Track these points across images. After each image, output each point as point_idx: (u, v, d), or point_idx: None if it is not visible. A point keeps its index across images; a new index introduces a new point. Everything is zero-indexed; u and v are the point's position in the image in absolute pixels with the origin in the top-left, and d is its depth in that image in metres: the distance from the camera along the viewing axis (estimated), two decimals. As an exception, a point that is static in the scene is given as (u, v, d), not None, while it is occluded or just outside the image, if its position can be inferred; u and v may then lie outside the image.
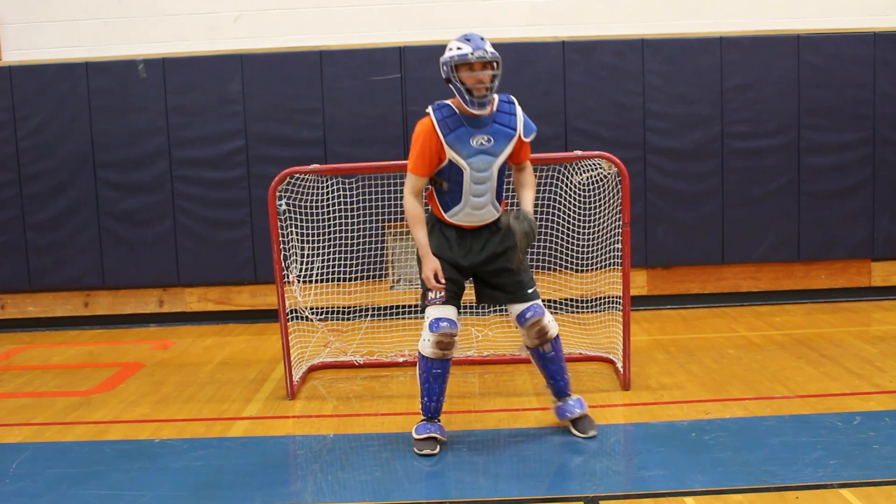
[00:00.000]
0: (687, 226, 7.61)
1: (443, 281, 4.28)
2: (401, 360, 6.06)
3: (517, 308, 4.43)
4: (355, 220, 6.76)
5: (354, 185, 6.66)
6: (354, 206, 6.66)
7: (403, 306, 7.15)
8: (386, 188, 6.80)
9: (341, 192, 6.38)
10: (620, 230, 5.38)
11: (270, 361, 6.32)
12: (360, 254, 6.78)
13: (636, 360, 5.73)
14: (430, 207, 4.49)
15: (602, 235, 6.01)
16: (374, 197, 6.87)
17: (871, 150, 7.58)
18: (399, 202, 6.78)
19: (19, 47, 7.86)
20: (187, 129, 7.52)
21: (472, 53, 4.09)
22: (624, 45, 7.47)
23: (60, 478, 4.18)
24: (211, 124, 7.51)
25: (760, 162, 7.56)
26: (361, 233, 6.84)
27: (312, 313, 6.06)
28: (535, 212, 4.62)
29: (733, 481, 3.85)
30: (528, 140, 4.37)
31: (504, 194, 4.51)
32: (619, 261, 5.46)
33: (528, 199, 4.45)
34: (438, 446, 4.33)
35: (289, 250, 5.87)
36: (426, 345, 4.32)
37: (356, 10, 7.85)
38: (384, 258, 7.30)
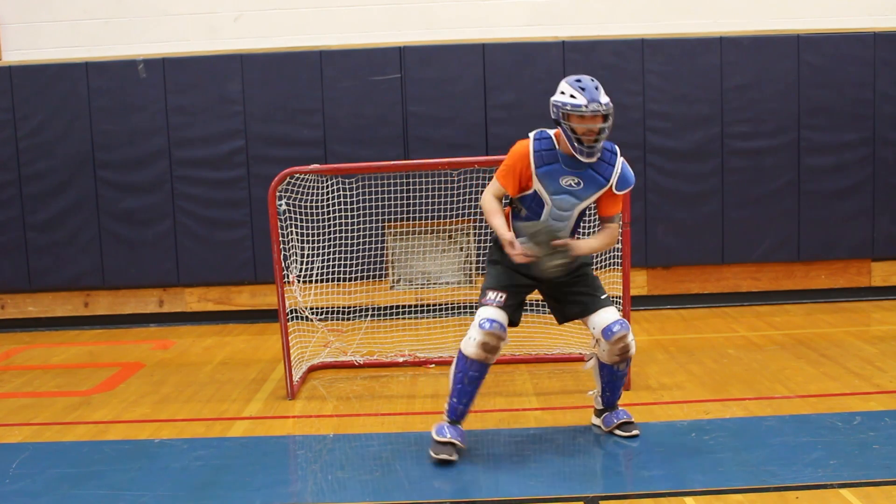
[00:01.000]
0: (687, 226, 7.61)
1: (518, 249, 4.03)
2: (401, 360, 6.06)
3: (601, 319, 4.23)
4: (355, 220, 6.76)
5: (354, 185, 6.66)
6: (354, 206, 6.67)
7: (403, 306, 7.15)
8: (386, 188, 6.81)
9: (341, 192, 6.38)
10: (621, 230, 5.37)
11: (270, 361, 6.32)
12: (360, 254, 6.78)
13: (636, 360, 5.70)
14: None
15: (602, 235, 6.00)
16: (374, 197, 6.87)
17: (871, 150, 7.58)
18: (399, 202, 6.80)
19: (19, 47, 7.86)
20: (187, 129, 7.52)
21: (586, 106, 3.97)
22: (624, 45, 7.47)
23: (60, 478, 4.18)
24: (211, 124, 7.52)
25: (760, 162, 7.56)
26: (361, 233, 6.84)
27: (312, 313, 6.06)
28: None
29: (733, 481, 3.85)
30: (619, 193, 4.25)
31: (579, 236, 4.43)
32: (619, 261, 5.46)
33: (585, 244, 4.25)
34: (456, 454, 4.18)
35: (289, 250, 5.87)
36: (470, 343, 4.14)
37: (356, 10, 7.85)
38: (384, 258, 7.30)
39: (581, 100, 3.99)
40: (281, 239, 5.48)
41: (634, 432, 4.44)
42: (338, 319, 6.39)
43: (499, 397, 5.25)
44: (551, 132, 4.20)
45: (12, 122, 7.53)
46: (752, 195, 7.58)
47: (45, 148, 7.56)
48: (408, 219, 6.98)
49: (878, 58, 7.48)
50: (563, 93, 4.06)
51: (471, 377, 4.18)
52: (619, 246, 5.42)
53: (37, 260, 7.67)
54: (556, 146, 4.16)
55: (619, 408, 4.53)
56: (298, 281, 5.94)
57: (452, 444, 4.19)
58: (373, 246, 6.95)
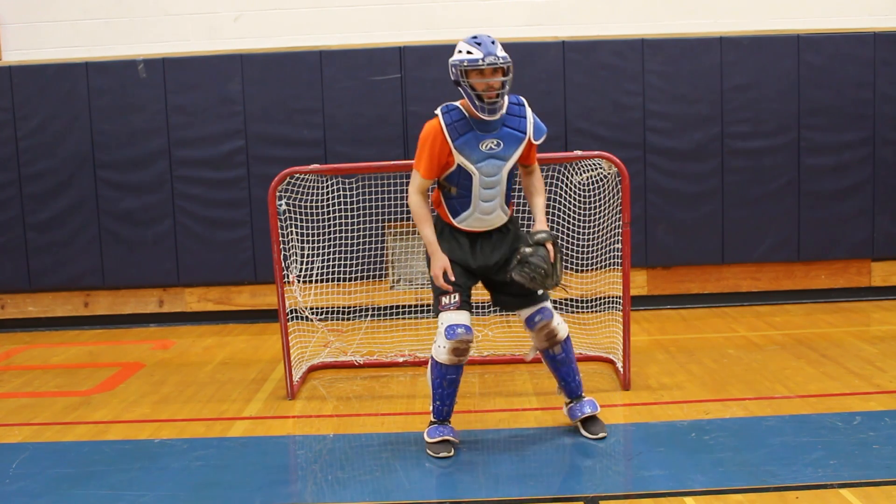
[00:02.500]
0: (687, 226, 7.61)
1: (452, 279, 4.20)
2: (401, 360, 6.06)
3: (525, 312, 4.39)
4: (355, 220, 6.76)
5: (354, 185, 6.66)
6: (354, 206, 6.67)
7: (403, 306, 7.15)
8: (386, 188, 6.80)
9: (341, 192, 6.38)
10: (620, 230, 5.38)
11: (270, 361, 6.32)
12: (360, 254, 6.78)
13: (636, 360, 5.73)
14: (436, 213, 4.41)
15: (602, 235, 6.01)
16: (374, 197, 6.87)
17: (871, 150, 7.58)
18: (399, 202, 6.78)
19: (19, 47, 7.86)
20: (187, 129, 7.52)
21: (482, 59, 3.98)
22: (624, 45, 7.47)
23: (60, 478, 4.18)
24: (211, 124, 7.51)
25: (760, 162, 7.56)
26: (361, 233, 6.84)
27: (312, 313, 6.06)
28: None
29: (733, 481, 3.85)
30: (537, 143, 4.28)
31: (512, 196, 4.45)
32: (619, 261, 5.46)
33: (539, 205, 4.37)
34: (453, 449, 4.28)
35: (289, 250, 5.87)
36: (441, 352, 4.22)
37: (356, 10, 7.85)
38: (384, 258, 7.30)
39: (477, 54, 3.99)
40: (281, 239, 5.48)
41: (601, 434, 4.42)
42: (338, 319, 6.39)
43: (499, 397, 5.25)
44: (457, 103, 4.19)
45: (12, 122, 7.53)
46: (752, 195, 7.58)
47: (45, 148, 7.55)
48: (408, 219, 6.96)
49: (878, 58, 7.48)
50: (459, 51, 4.07)
51: (449, 380, 4.28)
52: (619, 246, 5.42)
53: (37, 260, 7.67)
54: (466, 115, 4.14)
55: (585, 398, 4.53)
56: (298, 281, 5.94)
57: (447, 440, 4.28)
58: (373, 246, 6.95)
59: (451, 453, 4.25)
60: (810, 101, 7.50)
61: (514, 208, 4.63)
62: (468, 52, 4.03)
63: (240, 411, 5.20)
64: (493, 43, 4.03)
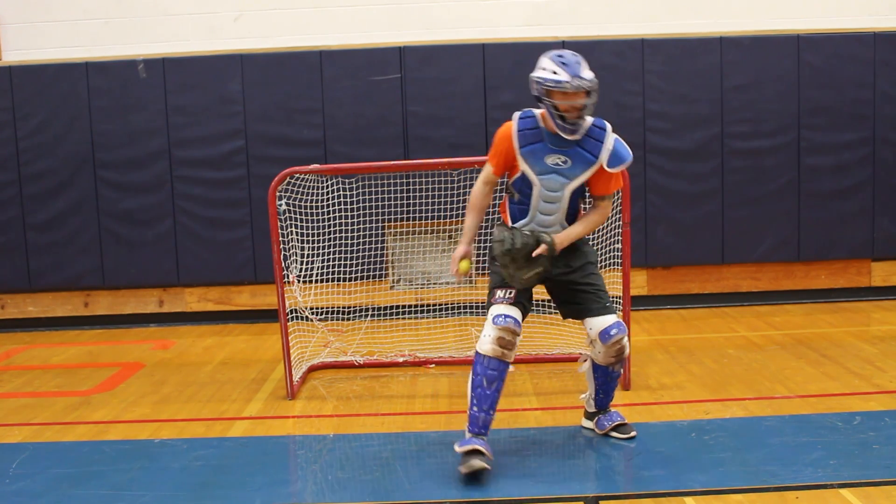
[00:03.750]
0: (687, 226, 7.61)
1: (463, 269, 4.12)
2: (401, 360, 6.06)
3: (599, 323, 4.18)
4: (355, 220, 6.76)
5: (354, 185, 6.66)
6: (354, 206, 6.67)
7: (403, 306, 7.15)
8: (386, 188, 6.81)
9: (341, 192, 6.38)
10: (620, 230, 5.38)
11: (270, 361, 6.32)
12: (360, 254, 6.78)
13: (636, 360, 5.73)
14: (500, 219, 4.34)
15: (602, 235, 6.01)
16: (374, 197, 6.87)
17: (871, 150, 7.58)
18: (399, 202, 6.80)
19: (19, 47, 7.86)
20: (187, 129, 7.53)
21: (569, 83, 3.86)
22: (624, 45, 7.47)
23: (60, 478, 4.18)
24: (211, 124, 7.52)
25: (760, 162, 7.56)
26: (361, 233, 6.84)
27: (312, 313, 6.06)
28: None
29: (733, 481, 3.85)
30: (612, 171, 4.09)
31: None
32: (619, 261, 5.46)
33: (574, 231, 4.15)
34: (487, 461, 3.93)
35: (289, 250, 5.87)
36: (486, 341, 4.01)
37: (356, 10, 7.85)
38: (384, 258, 7.30)
39: (563, 76, 3.88)
40: (281, 239, 5.48)
41: (632, 433, 4.42)
42: (338, 319, 6.39)
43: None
44: (536, 111, 4.11)
45: (12, 122, 7.53)
46: (752, 195, 7.58)
47: (45, 148, 7.56)
48: (408, 219, 6.98)
49: (878, 58, 7.48)
50: (544, 69, 3.95)
51: (490, 376, 4.00)
52: (619, 246, 5.42)
53: (37, 260, 7.67)
54: (541, 125, 4.07)
55: (612, 410, 4.51)
56: (298, 281, 5.94)
57: (478, 450, 3.95)
58: (373, 246, 6.95)
59: (486, 465, 3.91)
60: (810, 101, 7.51)
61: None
62: (553, 73, 3.91)
63: (240, 411, 5.20)
64: (578, 63, 3.92)
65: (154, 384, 5.87)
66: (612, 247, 5.85)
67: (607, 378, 4.40)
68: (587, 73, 3.91)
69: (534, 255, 4.01)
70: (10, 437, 4.86)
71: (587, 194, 4.24)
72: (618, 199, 5.53)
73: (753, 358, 5.94)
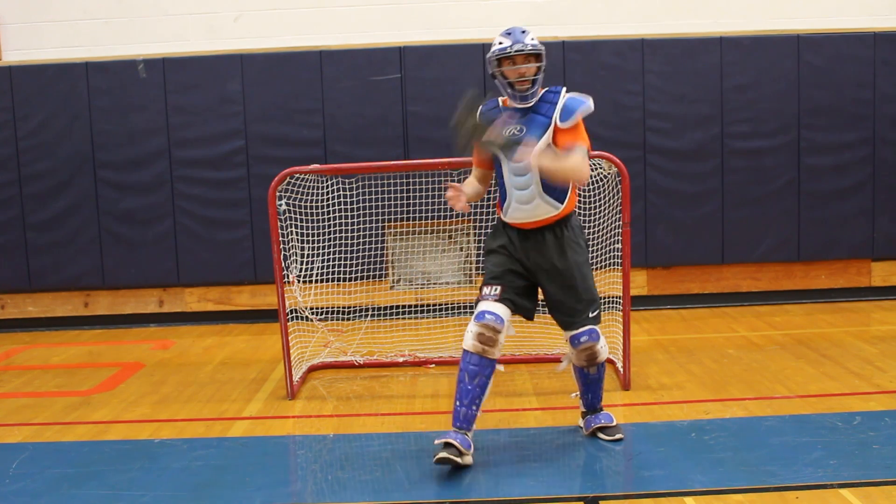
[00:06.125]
0: (687, 226, 7.61)
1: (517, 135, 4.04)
2: (401, 360, 6.06)
3: (571, 331, 4.26)
4: (355, 220, 6.76)
5: (354, 185, 6.66)
6: (354, 206, 6.67)
7: (403, 306, 7.15)
8: (386, 188, 6.81)
9: (341, 192, 6.38)
10: (620, 230, 5.38)
11: (270, 361, 6.32)
12: (360, 254, 6.78)
13: (636, 360, 5.73)
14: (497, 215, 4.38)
15: (602, 235, 6.01)
16: (374, 197, 6.87)
17: (871, 150, 7.58)
18: (399, 202, 6.80)
19: (19, 47, 7.86)
20: (187, 129, 7.53)
21: (511, 47, 4.04)
22: (624, 45, 7.47)
23: (60, 478, 4.18)
24: (211, 124, 7.52)
25: (760, 162, 7.56)
26: (361, 233, 6.84)
27: (312, 313, 6.05)
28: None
29: (733, 481, 3.85)
30: (565, 126, 4.07)
31: (567, 193, 4.22)
32: (619, 261, 5.46)
33: (541, 157, 4.00)
34: (458, 456, 3.93)
35: (289, 250, 5.87)
36: (468, 336, 4.08)
37: (356, 10, 7.85)
38: (384, 258, 7.30)
39: (506, 42, 4.07)
40: (281, 239, 5.48)
41: (618, 436, 4.40)
42: (338, 319, 6.39)
43: (499, 397, 5.25)
44: (499, 97, 4.25)
45: (12, 122, 7.53)
46: (752, 195, 7.58)
47: (45, 148, 7.56)
48: (408, 219, 6.98)
49: (878, 58, 7.48)
50: (493, 45, 4.12)
51: (471, 371, 4.02)
52: (619, 246, 5.42)
53: (37, 260, 7.67)
54: (500, 105, 4.20)
55: (603, 411, 4.50)
56: (298, 281, 5.94)
57: (450, 443, 3.97)
58: (373, 246, 6.95)
59: (456, 458, 3.91)
60: (810, 101, 7.51)
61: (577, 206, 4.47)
62: (499, 43, 4.10)
63: (240, 411, 5.20)
64: (522, 32, 4.10)
65: (154, 384, 5.87)
66: (612, 247, 5.84)
67: (586, 380, 4.42)
68: (530, 40, 4.08)
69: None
70: (10, 437, 4.86)
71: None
72: (618, 198, 5.53)
73: (753, 358, 5.94)
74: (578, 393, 4.56)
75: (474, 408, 4.07)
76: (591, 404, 4.49)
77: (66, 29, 7.86)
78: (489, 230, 4.42)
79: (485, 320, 4.06)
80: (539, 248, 4.18)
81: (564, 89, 4.19)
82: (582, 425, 4.56)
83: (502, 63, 4.08)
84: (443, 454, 3.95)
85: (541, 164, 3.98)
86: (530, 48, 4.05)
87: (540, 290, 4.32)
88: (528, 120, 4.11)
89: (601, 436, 4.44)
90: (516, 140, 4.04)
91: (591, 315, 4.26)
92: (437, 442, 4.05)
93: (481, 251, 4.35)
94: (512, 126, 4.09)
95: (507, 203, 4.17)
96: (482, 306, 4.13)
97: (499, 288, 4.14)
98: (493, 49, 4.12)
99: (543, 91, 4.18)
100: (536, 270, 4.21)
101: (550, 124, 4.10)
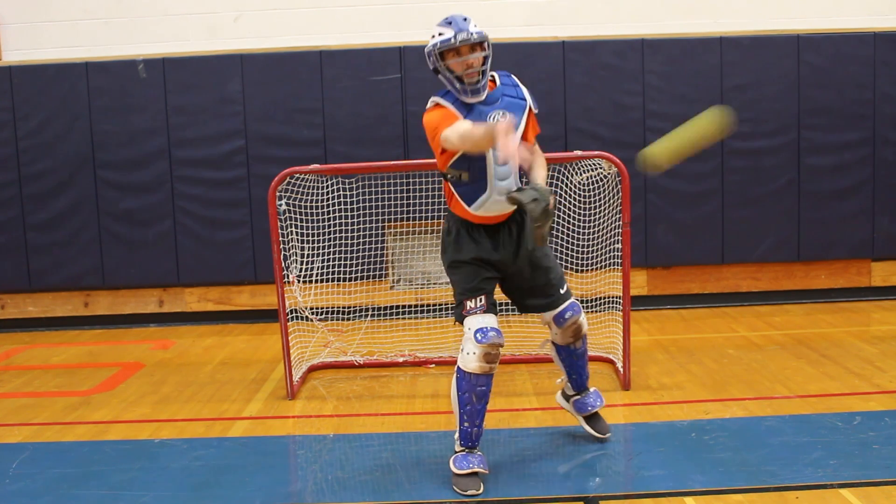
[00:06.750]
0: (687, 226, 7.61)
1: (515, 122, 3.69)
2: (401, 360, 6.06)
3: (554, 312, 4.16)
4: (355, 220, 6.76)
5: (354, 185, 6.66)
6: (354, 206, 6.67)
7: (403, 306, 7.15)
8: (386, 188, 6.81)
9: (341, 192, 6.38)
10: (620, 230, 5.38)
11: (270, 361, 6.32)
12: (360, 254, 6.78)
13: (636, 360, 5.73)
14: (448, 212, 4.14)
15: (602, 235, 6.01)
16: (374, 197, 6.87)
17: (871, 150, 7.58)
18: (399, 202, 6.80)
19: (19, 47, 7.86)
20: (187, 129, 7.52)
21: (454, 37, 3.74)
22: (624, 45, 7.47)
23: (60, 478, 4.18)
24: (211, 124, 7.52)
25: (760, 162, 7.56)
26: (361, 233, 6.84)
27: (312, 313, 6.06)
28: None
29: (733, 481, 3.85)
30: (536, 111, 4.00)
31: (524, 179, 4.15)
32: (619, 261, 5.46)
33: (540, 176, 3.96)
34: (482, 484, 3.88)
35: (289, 250, 5.87)
36: (471, 359, 3.86)
37: (356, 10, 7.85)
38: (384, 258, 7.30)
39: (448, 32, 3.78)
40: (281, 239, 5.48)
41: (607, 434, 4.38)
42: (338, 319, 6.39)
43: (499, 397, 5.24)
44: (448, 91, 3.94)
45: (12, 122, 7.53)
46: (752, 195, 7.58)
47: (45, 148, 7.55)
48: (408, 219, 6.98)
49: (878, 58, 7.48)
50: (432, 36, 3.84)
51: (479, 392, 3.89)
52: (619, 246, 5.42)
53: (37, 260, 7.67)
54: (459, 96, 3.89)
55: (591, 390, 4.41)
56: (298, 281, 5.94)
57: (476, 473, 3.90)
58: (373, 246, 6.95)
59: (480, 490, 3.84)
60: (810, 101, 7.51)
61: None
62: (440, 35, 3.82)
63: (240, 411, 5.20)
64: (465, 20, 3.81)
65: (154, 384, 5.87)
66: (612, 247, 5.85)
67: (572, 356, 4.31)
68: (474, 28, 3.80)
69: (550, 207, 3.78)
70: (10, 437, 4.86)
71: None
72: (618, 198, 5.54)
73: (753, 358, 5.94)
74: (564, 378, 4.48)
75: (483, 424, 4.02)
76: (580, 384, 4.41)
77: (66, 29, 7.86)
78: (439, 238, 4.14)
79: (489, 340, 3.87)
80: (507, 239, 4.01)
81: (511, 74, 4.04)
82: (569, 408, 4.48)
83: (446, 56, 3.80)
84: (472, 490, 3.84)
85: (522, 156, 3.65)
86: (476, 36, 3.76)
87: (509, 284, 4.15)
88: (505, 104, 3.89)
89: (590, 430, 4.40)
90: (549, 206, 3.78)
91: (564, 290, 4.17)
92: (461, 473, 3.90)
93: (445, 262, 4.09)
94: (495, 112, 3.86)
95: (484, 197, 3.90)
96: (476, 322, 3.90)
97: (482, 298, 3.95)
98: (433, 41, 3.83)
99: (496, 74, 3.98)
100: (508, 263, 4.03)
101: (527, 107, 3.97)
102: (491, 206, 3.94)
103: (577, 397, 4.45)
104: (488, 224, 4.01)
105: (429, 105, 3.99)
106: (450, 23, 3.82)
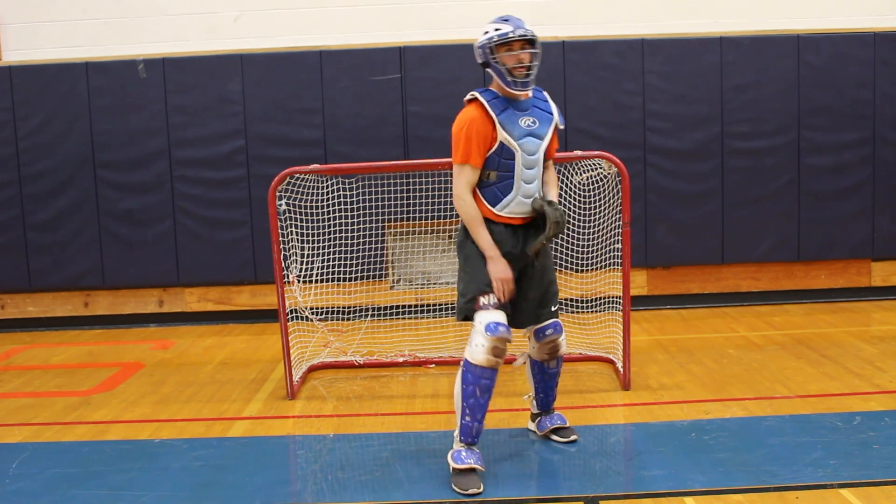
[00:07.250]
0: (687, 226, 7.61)
1: (511, 287, 4.01)
2: (401, 360, 6.06)
3: (537, 324, 4.24)
4: (355, 220, 6.76)
5: (354, 185, 6.66)
6: (354, 206, 6.67)
7: (403, 306, 7.15)
8: (386, 188, 6.81)
9: (341, 192, 6.38)
10: (620, 230, 5.38)
11: (270, 361, 6.32)
12: (360, 254, 6.78)
13: (636, 360, 5.73)
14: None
15: (602, 235, 6.01)
16: (374, 197, 6.87)
17: (871, 150, 7.58)
18: (399, 202, 6.79)
19: (19, 47, 7.87)
20: (187, 129, 7.53)
21: (513, 32, 3.95)
22: (624, 45, 7.47)
23: (60, 478, 4.18)
24: (211, 124, 7.52)
25: (760, 162, 7.56)
26: (361, 233, 6.84)
27: (312, 313, 6.06)
28: None
29: (733, 481, 3.85)
30: (562, 127, 4.21)
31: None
32: (619, 261, 5.46)
33: (553, 195, 4.22)
34: (482, 483, 3.90)
35: (289, 250, 5.87)
36: (479, 350, 3.93)
37: (356, 10, 7.85)
38: (384, 258, 7.30)
39: (506, 28, 3.98)
40: (281, 239, 5.48)
41: (572, 437, 4.41)
42: (338, 319, 6.39)
43: (499, 397, 5.24)
44: (489, 87, 4.11)
45: (12, 122, 7.53)
46: (752, 195, 7.58)
47: (45, 148, 7.56)
48: (408, 219, 6.98)
49: (878, 58, 7.49)
50: (486, 32, 4.03)
51: (483, 385, 3.95)
52: (619, 246, 5.42)
53: (37, 260, 7.67)
54: (499, 94, 4.06)
55: (555, 412, 4.50)
56: (298, 281, 5.94)
57: (474, 469, 3.95)
58: (373, 246, 6.95)
59: (481, 489, 3.85)
60: (810, 101, 7.51)
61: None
62: (496, 29, 4.00)
63: (240, 411, 5.20)
64: (520, 19, 4.04)
65: (154, 384, 5.87)
66: (612, 247, 5.85)
67: (544, 375, 4.40)
68: (528, 26, 4.02)
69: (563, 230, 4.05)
70: (10, 437, 4.86)
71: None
72: (618, 198, 5.54)
73: (753, 358, 5.94)
74: (532, 394, 4.53)
75: (484, 420, 4.05)
76: (545, 404, 4.48)
77: (66, 29, 7.86)
78: (457, 232, 4.24)
79: (499, 333, 3.94)
80: (527, 242, 4.11)
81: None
82: (534, 428, 4.54)
83: (499, 50, 3.96)
84: (473, 488, 3.86)
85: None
86: (531, 34, 3.99)
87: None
88: (535, 113, 4.09)
89: (555, 437, 4.43)
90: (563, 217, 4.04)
91: (554, 308, 4.26)
92: (460, 468, 3.95)
93: (463, 255, 4.16)
94: (525, 117, 4.04)
95: (509, 197, 4.03)
96: (487, 317, 3.98)
97: (494, 296, 4.03)
98: (489, 35, 4.00)
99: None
100: (524, 265, 4.13)
101: (554, 120, 4.16)
102: (515, 206, 4.08)
103: (542, 417, 4.51)
104: (512, 224, 4.11)
105: (467, 97, 4.13)
106: (506, 20, 4.04)
